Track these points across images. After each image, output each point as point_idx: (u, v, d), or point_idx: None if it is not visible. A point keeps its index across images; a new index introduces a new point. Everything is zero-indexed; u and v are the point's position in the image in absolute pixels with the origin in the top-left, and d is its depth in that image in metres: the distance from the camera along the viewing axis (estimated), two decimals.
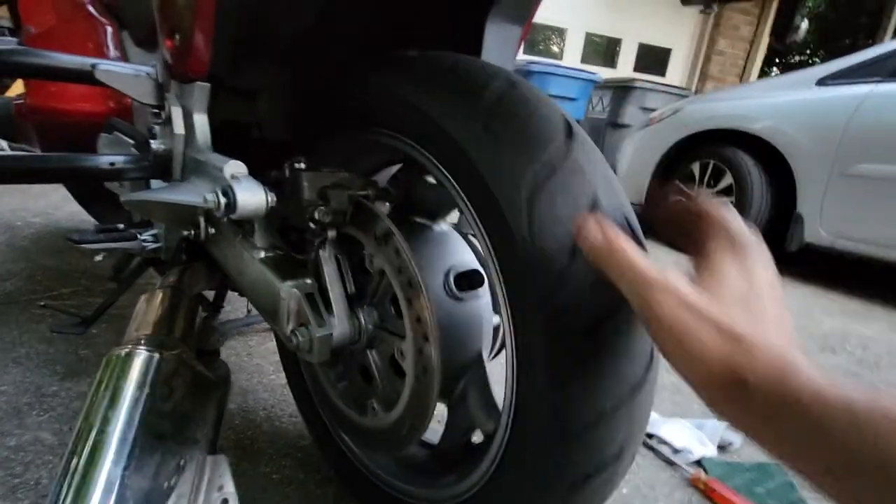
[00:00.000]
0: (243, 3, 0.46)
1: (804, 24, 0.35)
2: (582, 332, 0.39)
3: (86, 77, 0.50)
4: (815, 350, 1.64)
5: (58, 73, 0.50)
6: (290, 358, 0.79)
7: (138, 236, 0.81)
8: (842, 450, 0.23)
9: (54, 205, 2.25)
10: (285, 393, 1.02)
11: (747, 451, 1.03)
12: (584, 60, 6.16)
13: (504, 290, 0.42)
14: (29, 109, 0.79)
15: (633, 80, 4.48)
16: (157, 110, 0.56)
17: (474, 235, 0.66)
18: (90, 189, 1.11)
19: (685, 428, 1.01)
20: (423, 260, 0.54)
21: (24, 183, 0.51)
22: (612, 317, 0.39)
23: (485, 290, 0.58)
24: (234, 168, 0.47)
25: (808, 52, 10.20)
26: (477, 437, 0.57)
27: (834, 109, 2.24)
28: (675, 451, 0.96)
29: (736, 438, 1.02)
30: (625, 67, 6.31)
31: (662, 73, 6.41)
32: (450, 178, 0.45)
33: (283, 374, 1.08)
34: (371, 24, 0.61)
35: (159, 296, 0.63)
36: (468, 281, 0.57)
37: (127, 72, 0.53)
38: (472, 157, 0.42)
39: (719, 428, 1.00)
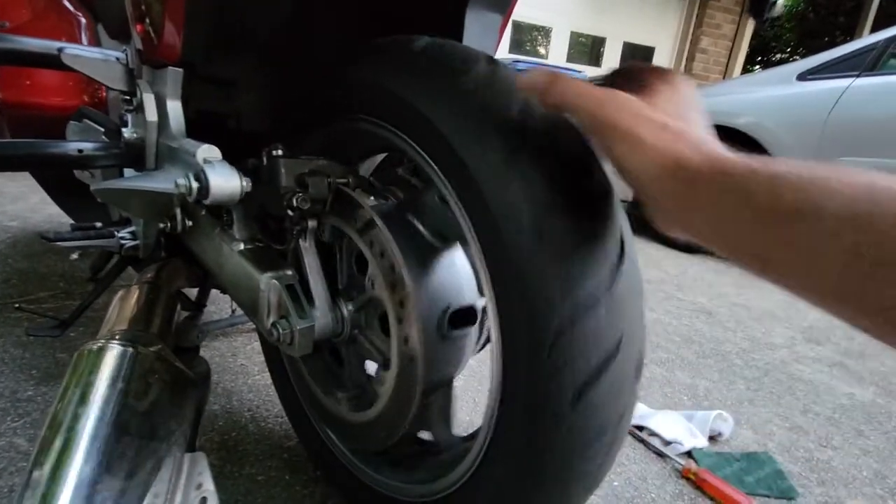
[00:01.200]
0: None
1: (780, 0, 0.34)
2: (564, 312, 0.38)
3: (53, 62, 0.48)
4: (801, 341, 1.66)
5: (24, 58, 0.48)
6: (274, 356, 0.77)
7: (116, 234, 0.79)
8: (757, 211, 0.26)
9: (31, 208, 2.19)
10: (271, 393, 1.00)
11: (737, 442, 1.03)
12: (569, 59, 6.20)
13: (488, 273, 0.41)
14: (2, 105, 0.76)
15: None
16: (128, 97, 0.54)
17: (445, 202, 0.65)
18: (64, 184, 1.07)
19: (675, 419, 1.01)
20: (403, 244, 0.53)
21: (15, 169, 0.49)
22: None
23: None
24: (207, 152, 0.45)
25: (788, 49, 10.39)
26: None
27: (814, 104, 2.28)
28: (666, 442, 0.96)
29: (726, 428, 1.02)
30: (610, 65, 6.36)
31: None
32: (429, 160, 0.44)
33: (268, 375, 1.06)
34: (349, 13, 0.60)
35: (136, 292, 0.61)
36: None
37: (95, 56, 0.51)
38: (449, 139, 0.41)
39: (709, 418, 1.00)
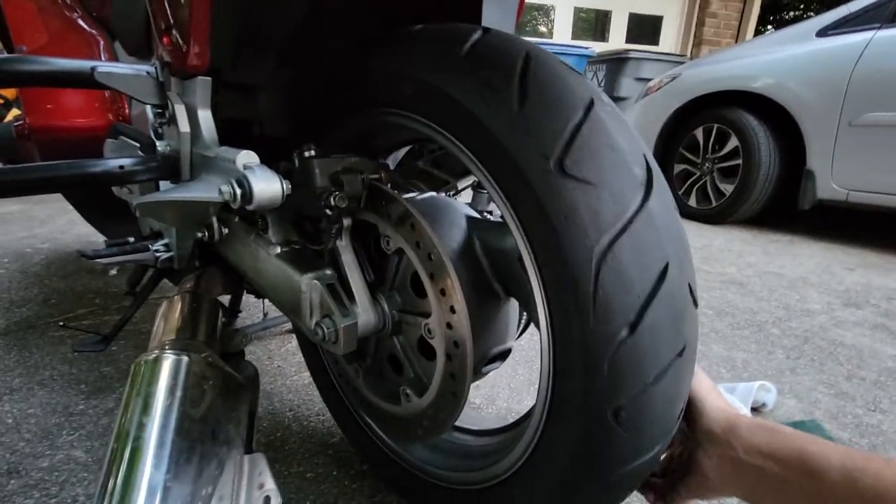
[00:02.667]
0: None
1: None
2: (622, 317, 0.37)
3: (86, 80, 0.49)
4: (838, 305, 1.62)
5: (59, 79, 0.49)
6: (314, 356, 0.78)
7: (150, 247, 0.80)
8: None
9: (60, 229, 2.25)
10: (310, 392, 1.02)
11: (782, 411, 1.01)
12: (574, 37, 6.08)
13: (534, 260, 0.41)
14: (30, 129, 0.78)
15: (627, 51, 4.41)
16: (160, 110, 0.55)
17: (490, 212, 0.65)
18: (97, 204, 1.10)
19: None
20: (441, 232, 0.53)
21: (37, 193, 0.50)
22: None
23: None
24: (247, 158, 0.46)
25: (801, 6, 10.00)
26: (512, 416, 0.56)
27: (837, 60, 2.19)
28: None
29: (769, 399, 1.00)
30: (617, 39, 6.22)
31: (655, 42, 6.31)
32: (469, 153, 0.44)
33: (305, 375, 1.08)
34: (364, 4, 0.59)
35: (178, 302, 0.62)
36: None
37: (127, 72, 0.52)
38: (493, 130, 0.40)
39: (752, 389, 0.99)
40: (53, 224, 2.34)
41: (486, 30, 0.45)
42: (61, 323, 1.14)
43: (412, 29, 0.50)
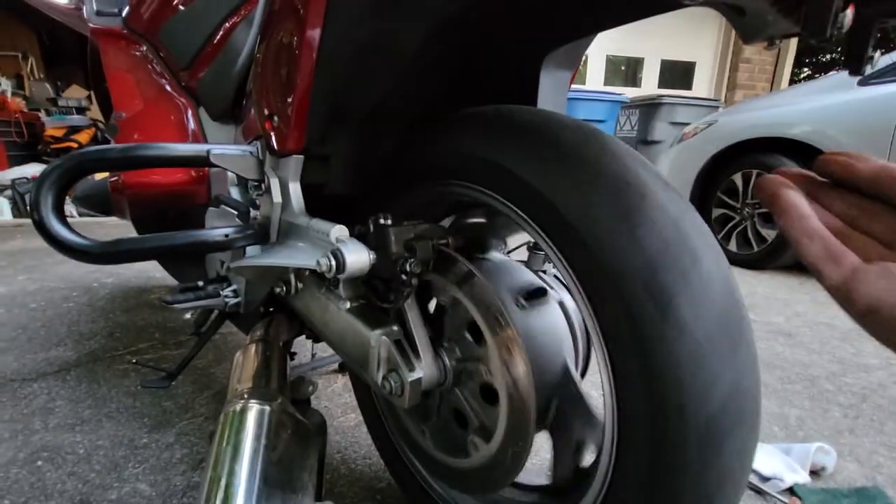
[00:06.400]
0: (334, 83, 0.51)
1: (878, 55, 0.36)
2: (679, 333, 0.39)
3: (202, 161, 0.56)
4: None
5: (180, 161, 0.57)
6: (368, 402, 0.81)
7: (220, 293, 0.87)
8: None
9: (123, 265, 2.41)
10: (357, 435, 1.04)
11: (842, 476, 0.97)
12: (606, 83, 6.20)
13: (594, 317, 0.43)
14: (124, 186, 0.88)
15: (661, 96, 4.47)
16: (257, 182, 0.63)
17: (544, 271, 0.68)
18: None
19: (772, 453, 0.96)
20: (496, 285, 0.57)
21: (156, 259, 0.57)
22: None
23: (554, 306, 0.60)
24: (339, 232, 0.51)
25: (838, 49, 9.89)
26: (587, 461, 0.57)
27: (881, 109, 2.17)
28: (764, 478, 0.91)
29: (829, 462, 0.96)
30: (649, 85, 6.31)
31: (688, 87, 6.36)
32: (534, 226, 0.48)
33: (352, 416, 1.11)
34: (434, 86, 0.65)
35: (252, 349, 0.67)
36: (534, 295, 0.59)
37: (236, 153, 0.60)
38: (561, 210, 0.44)
39: (809, 451, 0.95)
40: None
41: (539, 110, 0.50)
42: (134, 360, 1.22)
43: (473, 110, 0.56)
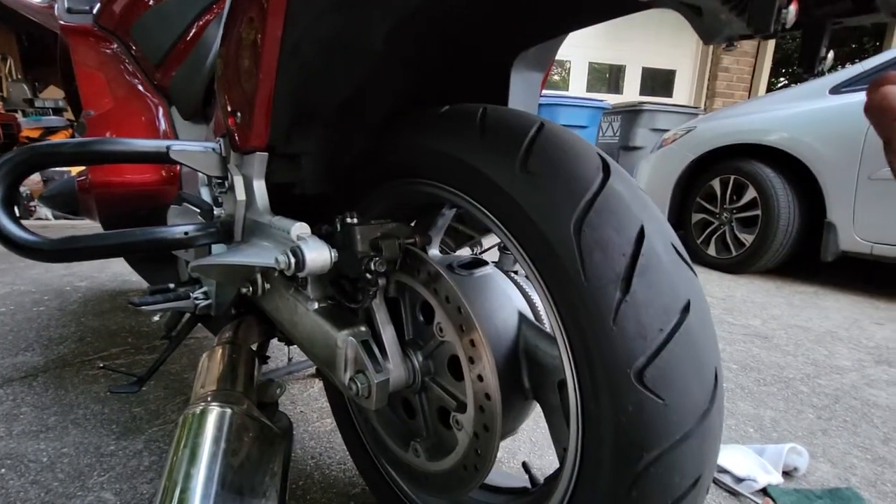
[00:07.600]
0: (298, 79, 0.50)
1: (830, 55, 0.37)
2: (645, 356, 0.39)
3: (162, 157, 0.55)
4: (870, 362, 1.57)
5: (137, 157, 0.55)
6: (340, 405, 0.80)
7: (190, 295, 0.85)
8: None
9: (97, 268, 2.35)
10: (332, 440, 1.03)
11: (815, 477, 0.98)
12: (589, 89, 6.28)
13: (559, 320, 0.43)
14: (91, 185, 0.86)
15: (642, 103, 4.55)
16: (220, 180, 0.61)
17: (516, 272, 0.68)
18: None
19: (745, 454, 0.97)
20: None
21: (114, 257, 0.55)
22: (675, 335, 0.40)
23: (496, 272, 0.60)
24: (300, 229, 0.51)
25: None
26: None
27: (852, 116, 2.23)
28: (738, 479, 0.92)
29: (801, 462, 0.97)
30: (630, 92, 6.41)
31: (669, 94, 6.48)
32: (496, 220, 0.48)
33: (328, 421, 1.09)
34: (403, 84, 0.65)
35: (219, 352, 0.66)
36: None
37: (197, 149, 0.59)
38: (515, 198, 0.44)
39: (782, 452, 0.96)
40: (91, 263, 2.45)
41: (502, 108, 0.50)
42: (101, 365, 1.18)
43: (439, 109, 0.55)
